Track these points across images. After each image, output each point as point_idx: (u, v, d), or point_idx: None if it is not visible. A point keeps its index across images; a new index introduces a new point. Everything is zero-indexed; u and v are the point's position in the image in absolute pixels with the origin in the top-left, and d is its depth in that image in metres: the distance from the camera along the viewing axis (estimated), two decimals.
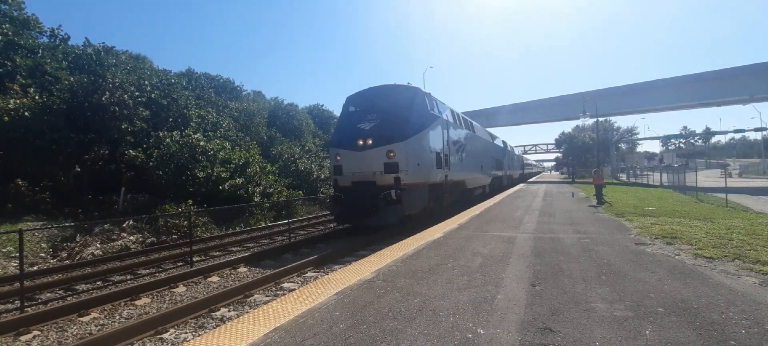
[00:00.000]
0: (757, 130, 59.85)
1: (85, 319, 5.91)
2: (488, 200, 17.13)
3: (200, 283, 7.82)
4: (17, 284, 6.93)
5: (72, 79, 17.05)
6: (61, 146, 15.70)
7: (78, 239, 11.49)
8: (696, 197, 17.47)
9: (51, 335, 5.40)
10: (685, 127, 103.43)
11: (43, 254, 10.57)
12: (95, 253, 10.81)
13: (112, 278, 8.37)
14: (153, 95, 19.75)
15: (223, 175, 17.07)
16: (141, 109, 18.44)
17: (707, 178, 32.34)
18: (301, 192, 21.64)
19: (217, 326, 5.43)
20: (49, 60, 18.74)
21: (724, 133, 60.66)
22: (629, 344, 2.94)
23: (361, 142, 11.48)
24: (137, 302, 6.65)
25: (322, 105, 46.12)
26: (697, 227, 8.54)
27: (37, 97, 15.93)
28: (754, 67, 34.46)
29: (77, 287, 7.72)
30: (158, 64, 32.38)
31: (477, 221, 10.20)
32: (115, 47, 22.59)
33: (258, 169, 19.68)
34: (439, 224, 9.83)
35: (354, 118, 12.31)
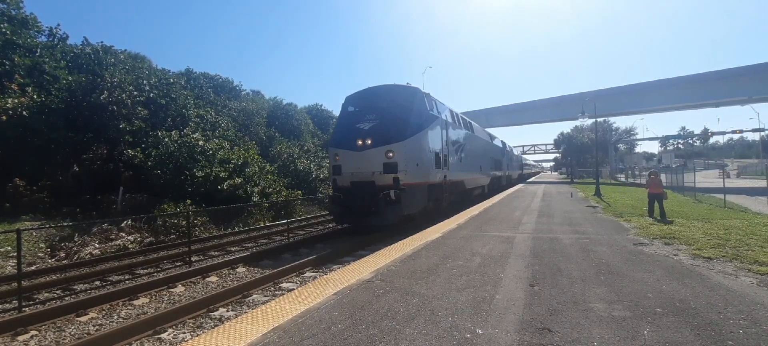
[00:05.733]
0: (755, 130, 60.12)
1: (83, 319, 5.90)
2: (487, 200, 17.14)
3: (199, 283, 7.81)
4: (15, 283, 6.91)
5: (70, 78, 17.02)
6: (59, 146, 15.67)
7: (76, 238, 11.47)
8: (694, 198, 17.51)
9: (49, 335, 5.39)
10: (683, 128, 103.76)
11: (41, 254, 10.54)
12: (93, 253, 10.79)
13: (111, 278, 8.35)
14: (152, 95, 19.73)
15: (222, 175, 17.05)
16: (139, 108, 18.42)
17: (706, 178, 32.41)
18: (300, 192, 21.63)
19: (216, 326, 5.42)
20: (47, 59, 18.70)
21: (723, 133, 60.78)
22: (627, 344, 2.94)
23: (360, 143, 11.47)
24: (135, 302, 6.64)
25: (322, 105, 46.16)
26: (695, 228, 8.56)
27: (35, 97, 15.90)
28: (752, 67, 34.55)
29: (75, 287, 7.71)
30: (157, 64, 32.42)
31: (476, 221, 10.21)
32: (114, 47, 22.61)
33: (257, 169, 19.67)
34: (438, 224, 9.83)
35: (353, 119, 12.31)
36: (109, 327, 5.56)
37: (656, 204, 11.02)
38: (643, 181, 35.08)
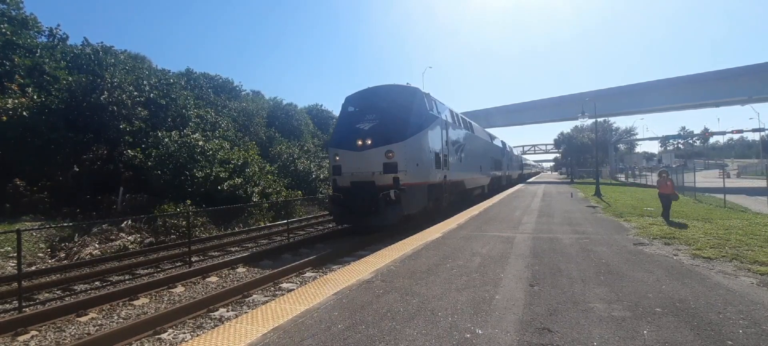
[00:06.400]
0: (755, 130, 60.10)
1: (83, 319, 5.90)
2: (487, 200, 17.14)
3: (199, 283, 7.82)
4: (15, 284, 6.91)
5: (70, 78, 17.02)
6: (59, 146, 15.67)
7: (76, 239, 11.47)
8: (694, 198, 17.50)
9: (49, 336, 5.39)
10: (683, 128, 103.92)
11: (41, 254, 10.55)
12: (93, 253, 10.79)
13: (111, 278, 8.36)
14: (152, 95, 19.73)
15: (222, 175, 17.05)
16: (139, 109, 18.42)
17: (706, 178, 32.40)
18: (300, 192, 21.63)
19: (216, 326, 5.42)
20: (47, 60, 18.71)
21: (723, 133, 60.72)
22: (627, 344, 2.95)
23: (360, 143, 11.47)
24: (136, 302, 6.64)
25: (322, 105, 46.13)
26: (695, 228, 8.56)
27: (35, 97, 15.90)
28: (752, 67, 34.55)
29: (75, 287, 7.71)
30: (157, 64, 32.43)
31: (476, 222, 10.21)
32: (114, 47, 22.60)
33: (257, 170, 19.67)
34: (438, 224, 9.83)
35: (353, 119, 12.31)
36: (109, 327, 5.56)
37: (669, 206, 10.36)
38: (644, 181, 35.15)
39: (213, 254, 10.73)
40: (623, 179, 45.38)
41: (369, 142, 11.35)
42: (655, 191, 21.97)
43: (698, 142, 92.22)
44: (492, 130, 34.58)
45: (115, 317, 6.05)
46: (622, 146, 65.25)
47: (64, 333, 5.48)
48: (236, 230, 15.06)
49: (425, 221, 11.81)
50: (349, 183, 11.63)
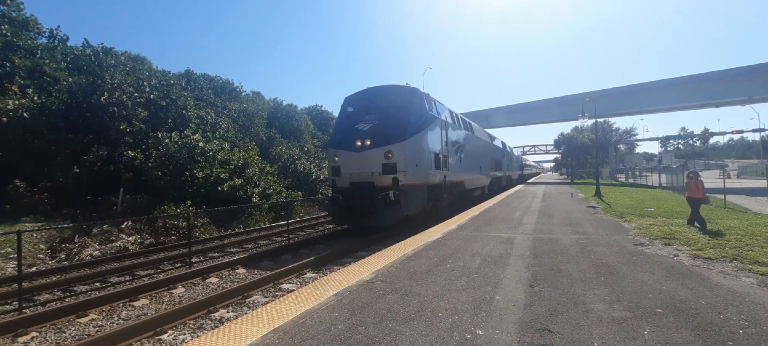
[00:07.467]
0: (755, 130, 60.09)
1: (83, 320, 5.90)
2: (487, 201, 17.14)
3: (199, 284, 7.81)
4: (15, 285, 6.91)
5: (71, 79, 17.04)
6: (59, 147, 15.68)
7: (76, 240, 11.46)
8: None
9: (49, 337, 5.39)
10: (683, 128, 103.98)
11: (41, 255, 10.54)
12: (94, 254, 10.79)
13: (111, 279, 8.36)
14: (152, 96, 19.74)
15: (222, 176, 17.05)
16: (140, 109, 18.42)
17: (706, 178, 32.31)
18: (300, 193, 21.63)
19: (216, 327, 5.42)
20: (47, 61, 18.73)
21: (723, 134, 60.76)
22: (627, 345, 2.95)
23: (359, 143, 11.46)
24: (136, 303, 6.64)
25: (322, 106, 46.13)
26: (695, 228, 8.55)
27: (35, 98, 15.92)
28: (752, 68, 34.58)
29: (76, 289, 7.71)
30: (157, 65, 32.34)
31: (476, 222, 10.21)
32: (114, 48, 22.59)
33: (257, 170, 19.67)
34: (438, 225, 9.83)
35: (352, 119, 12.30)
36: (110, 328, 5.56)
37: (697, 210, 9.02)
38: (644, 181, 35.06)
39: (213, 255, 10.73)
40: (623, 180, 45.37)
41: (368, 142, 11.33)
42: (656, 191, 21.73)
43: (698, 142, 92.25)
44: (492, 131, 34.57)
45: (116, 318, 6.05)
46: (622, 147, 65.19)
47: (64, 334, 5.48)
48: (236, 230, 15.06)
49: (425, 221, 11.80)
50: (349, 184, 11.62)
